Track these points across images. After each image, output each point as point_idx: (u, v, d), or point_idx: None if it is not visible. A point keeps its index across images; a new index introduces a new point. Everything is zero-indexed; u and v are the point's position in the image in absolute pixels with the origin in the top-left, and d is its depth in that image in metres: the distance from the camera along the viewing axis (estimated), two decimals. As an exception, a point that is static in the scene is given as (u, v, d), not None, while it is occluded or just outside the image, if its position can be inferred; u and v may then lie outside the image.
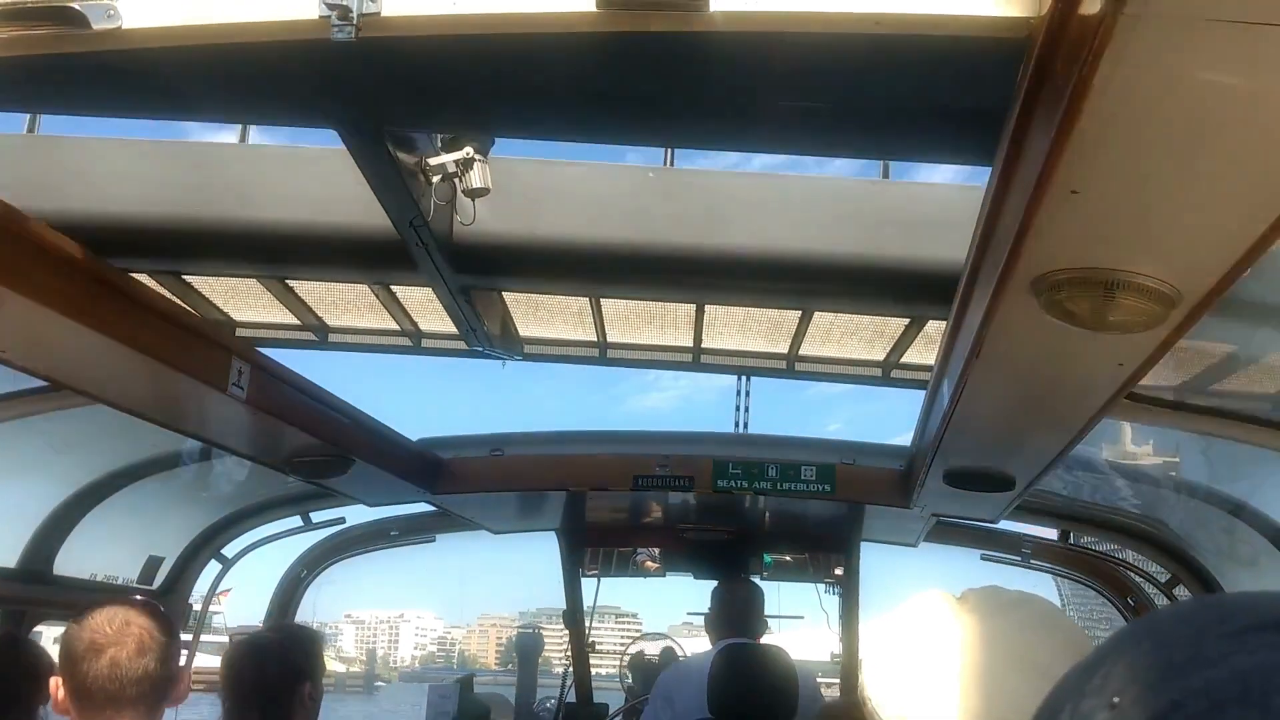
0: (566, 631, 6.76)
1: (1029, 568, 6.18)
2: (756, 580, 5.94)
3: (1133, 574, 6.03)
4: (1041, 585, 7.30)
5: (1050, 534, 6.02)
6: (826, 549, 6.29)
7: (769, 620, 5.31)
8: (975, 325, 2.58)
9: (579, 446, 5.29)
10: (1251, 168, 1.74)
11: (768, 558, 6.30)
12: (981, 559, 6.22)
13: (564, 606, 6.56)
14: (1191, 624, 0.61)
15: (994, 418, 3.37)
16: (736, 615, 5.01)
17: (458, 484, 5.15)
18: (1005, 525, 5.74)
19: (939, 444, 3.67)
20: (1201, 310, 2.30)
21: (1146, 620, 0.65)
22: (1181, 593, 5.39)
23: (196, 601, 5.80)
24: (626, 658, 7.61)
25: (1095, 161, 1.75)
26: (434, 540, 6.59)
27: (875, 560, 6.43)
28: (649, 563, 6.55)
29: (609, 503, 5.66)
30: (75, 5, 1.89)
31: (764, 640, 4.89)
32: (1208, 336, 3.29)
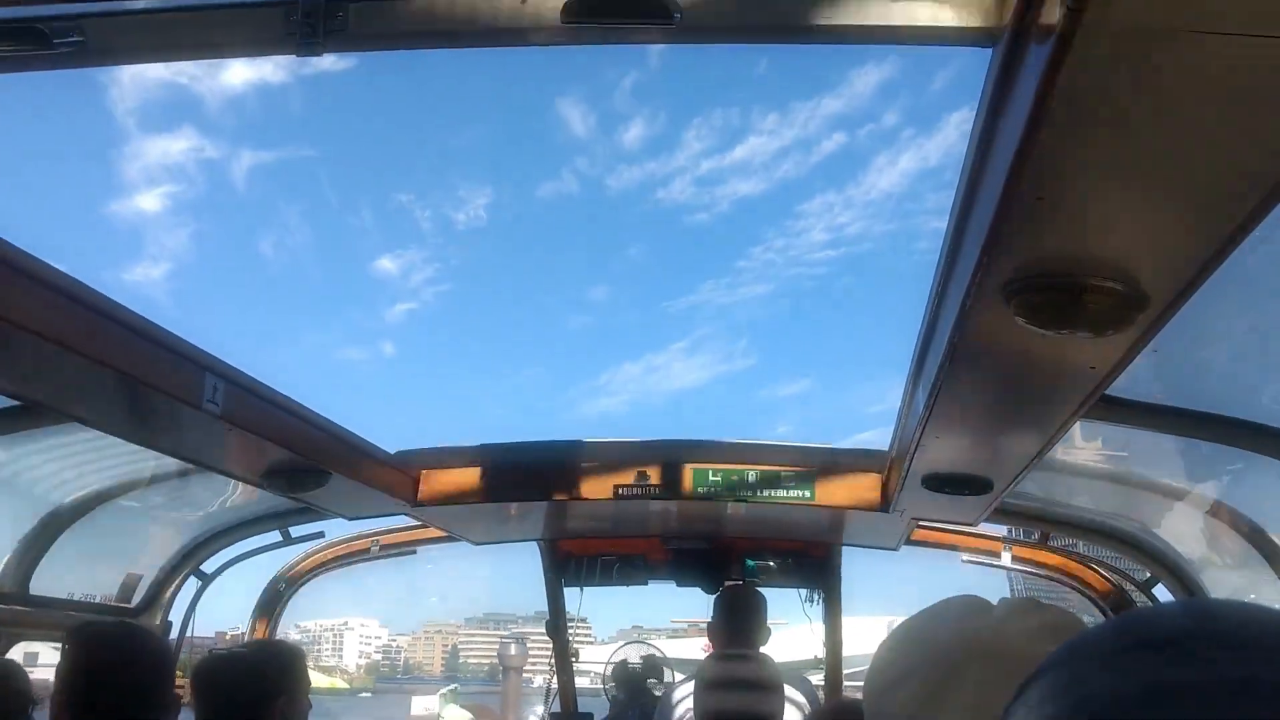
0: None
1: (1008, 569, 6.22)
2: (754, 585, 5.96)
3: (1112, 575, 6.07)
4: (994, 585, 7.40)
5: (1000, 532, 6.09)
6: (808, 554, 6.30)
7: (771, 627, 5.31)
8: (948, 329, 2.60)
9: (559, 456, 5.28)
10: (1213, 172, 1.76)
11: (750, 564, 6.30)
12: (962, 562, 6.25)
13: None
14: (1105, 639, 0.62)
15: (970, 421, 3.39)
16: (735, 623, 5.04)
17: (437, 495, 5.13)
18: (985, 528, 5.79)
19: (916, 448, 3.69)
20: (1170, 312, 2.32)
21: (1078, 636, 0.66)
22: (1161, 592, 5.43)
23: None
24: (610, 666, 7.60)
25: (1060, 167, 1.77)
26: (415, 552, 6.58)
27: (857, 564, 6.47)
28: (632, 572, 6.54)
29: (590, 512, 5.65)
30: (40, 26, 1.89)
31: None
32: (1181, 338, 3.32)
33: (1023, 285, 2.21)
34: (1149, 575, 5.46)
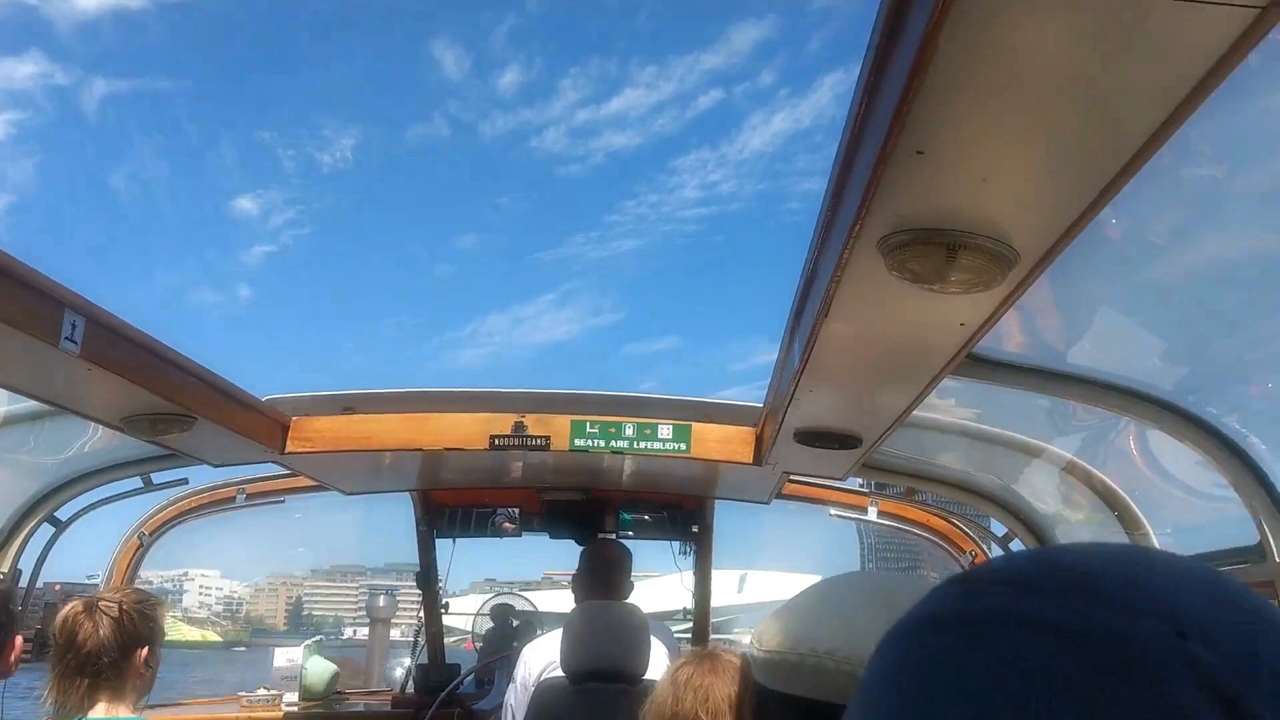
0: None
1: (875, 524, 6.40)
2: (618, 539, 6.00)
3: (973, 530, 6.29)
4: (845, 539, 7.69)
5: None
6: (682, 506, 6.38)
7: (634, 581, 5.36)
8: (824, 283, 2.63)
9: (433, 405, 5.21)
10: (1085, 133, 1.81)
11: (624, 516, 6.35)
12: (831, 515, 6.41)
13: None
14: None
15: (842, 376, 3.45)
16: (602, 576, 5.07)
17: (307, 443, 5.03)
18: (852, 483, 5.94)
19: (790, 402, 3.74)
20: (1039, 270, 2.39)
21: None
22: (1017, 546, 5.65)
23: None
24: (479, 618, 7.59)
25: (939, 123, 1.79)
26: (283, 502, 6.46)
27: (729, 516, 6.60)
28: (506, 524, 6.53)
29: (464, 462, 5.60)
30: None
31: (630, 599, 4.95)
32: (1048, 298, 3.43)
33: (899, 240, 2.25)
34: (1006, 531, 5.67)
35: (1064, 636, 0.54)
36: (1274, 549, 3.44)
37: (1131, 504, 4.55)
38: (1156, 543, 4.52)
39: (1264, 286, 3.22)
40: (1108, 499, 4.65)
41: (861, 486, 6.40)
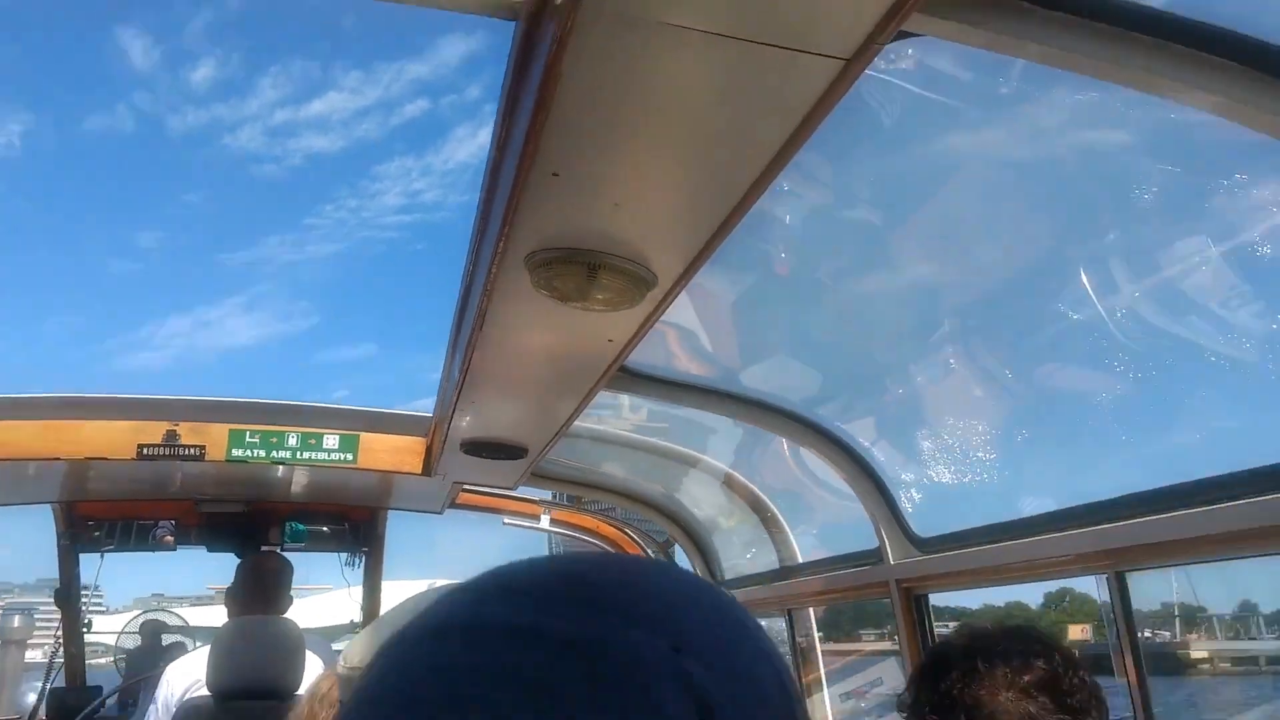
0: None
1: (547, 531, 6.51)
2: (279, 552, 5.79)
3: (639, 535, 6.52)
4: (536, 547, 7.84)
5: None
6: (352, 518, 6.23)
7: (294, 595, 5.16)
8: (477, 299, 2.65)
9: (79, 412, 4.83)
10: (706, 164, 1.91)
11: (294, 527, 6.13)
12: (504, 524, 6.46)
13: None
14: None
15: (502, 388, 3.48)
16: (258, 590, 4.85)
17: None
18: (525, 491, 6.01)
19: (453, 413, 3.75)
20: (676, 292, 2.51)
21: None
22: (676, 551, 5.91)
23: None
24: (125, 636, 7.10)
25: (571, 146, 1.85)
26: None
27: (403, 527, 6.51)
28: (167, 536, 6.15)
29: (111, 473, 5.22)
30: None
31: (290, 614, 4.76)
32: (722, 319, 3.61)
33: (543, 258, 2.30)
34: (668, 537, 5.91)
35: (563, 646, 0.56)
36: (889, 552, 3.76)
37: (775, 510, 4.87)
38: (796, 545, 4.85)
39: (899, 313, 3.53)
40: (756, 506, 4.94)
41: (555, 497, 6.51)
